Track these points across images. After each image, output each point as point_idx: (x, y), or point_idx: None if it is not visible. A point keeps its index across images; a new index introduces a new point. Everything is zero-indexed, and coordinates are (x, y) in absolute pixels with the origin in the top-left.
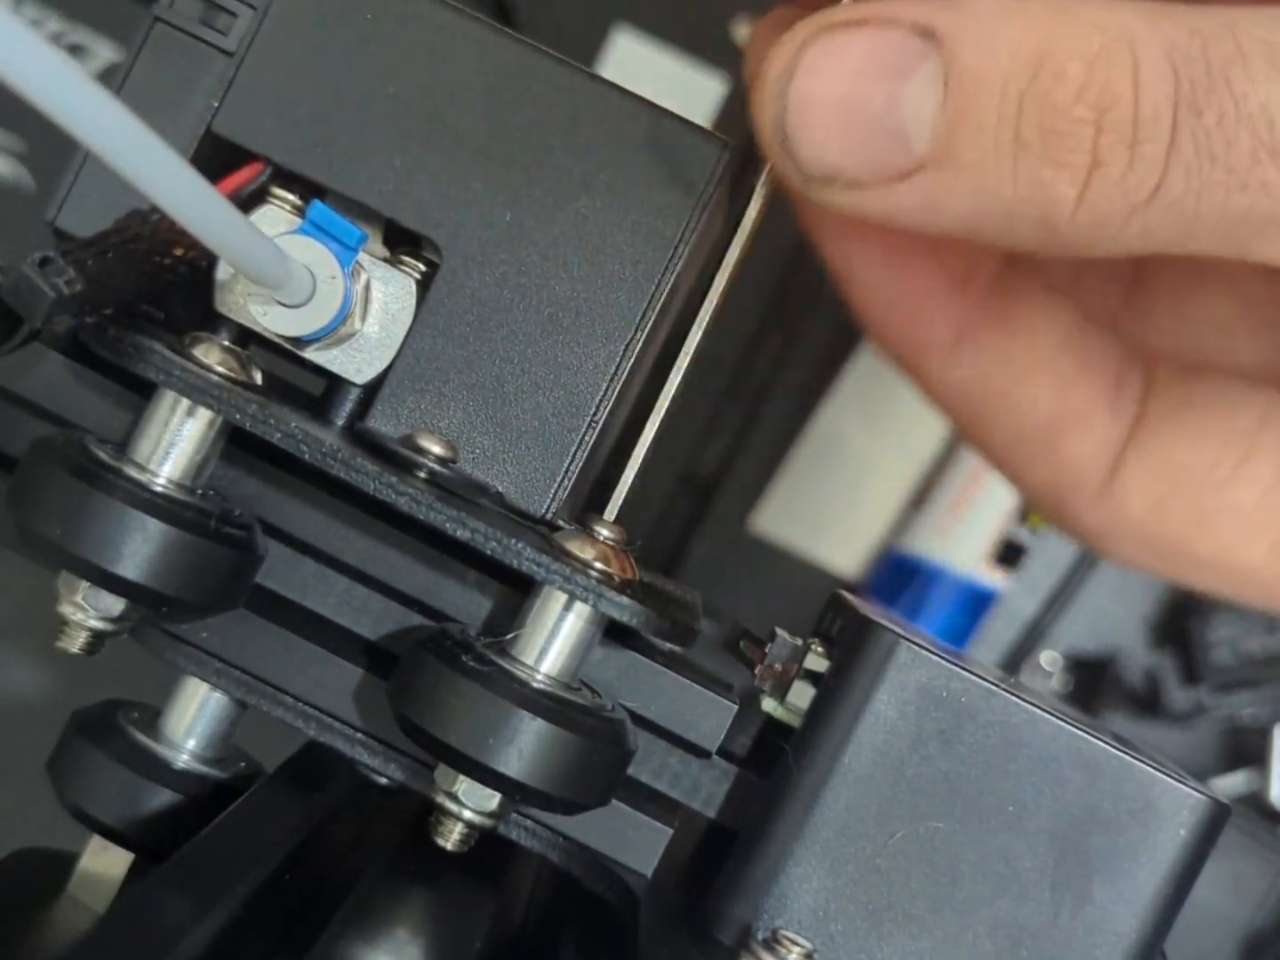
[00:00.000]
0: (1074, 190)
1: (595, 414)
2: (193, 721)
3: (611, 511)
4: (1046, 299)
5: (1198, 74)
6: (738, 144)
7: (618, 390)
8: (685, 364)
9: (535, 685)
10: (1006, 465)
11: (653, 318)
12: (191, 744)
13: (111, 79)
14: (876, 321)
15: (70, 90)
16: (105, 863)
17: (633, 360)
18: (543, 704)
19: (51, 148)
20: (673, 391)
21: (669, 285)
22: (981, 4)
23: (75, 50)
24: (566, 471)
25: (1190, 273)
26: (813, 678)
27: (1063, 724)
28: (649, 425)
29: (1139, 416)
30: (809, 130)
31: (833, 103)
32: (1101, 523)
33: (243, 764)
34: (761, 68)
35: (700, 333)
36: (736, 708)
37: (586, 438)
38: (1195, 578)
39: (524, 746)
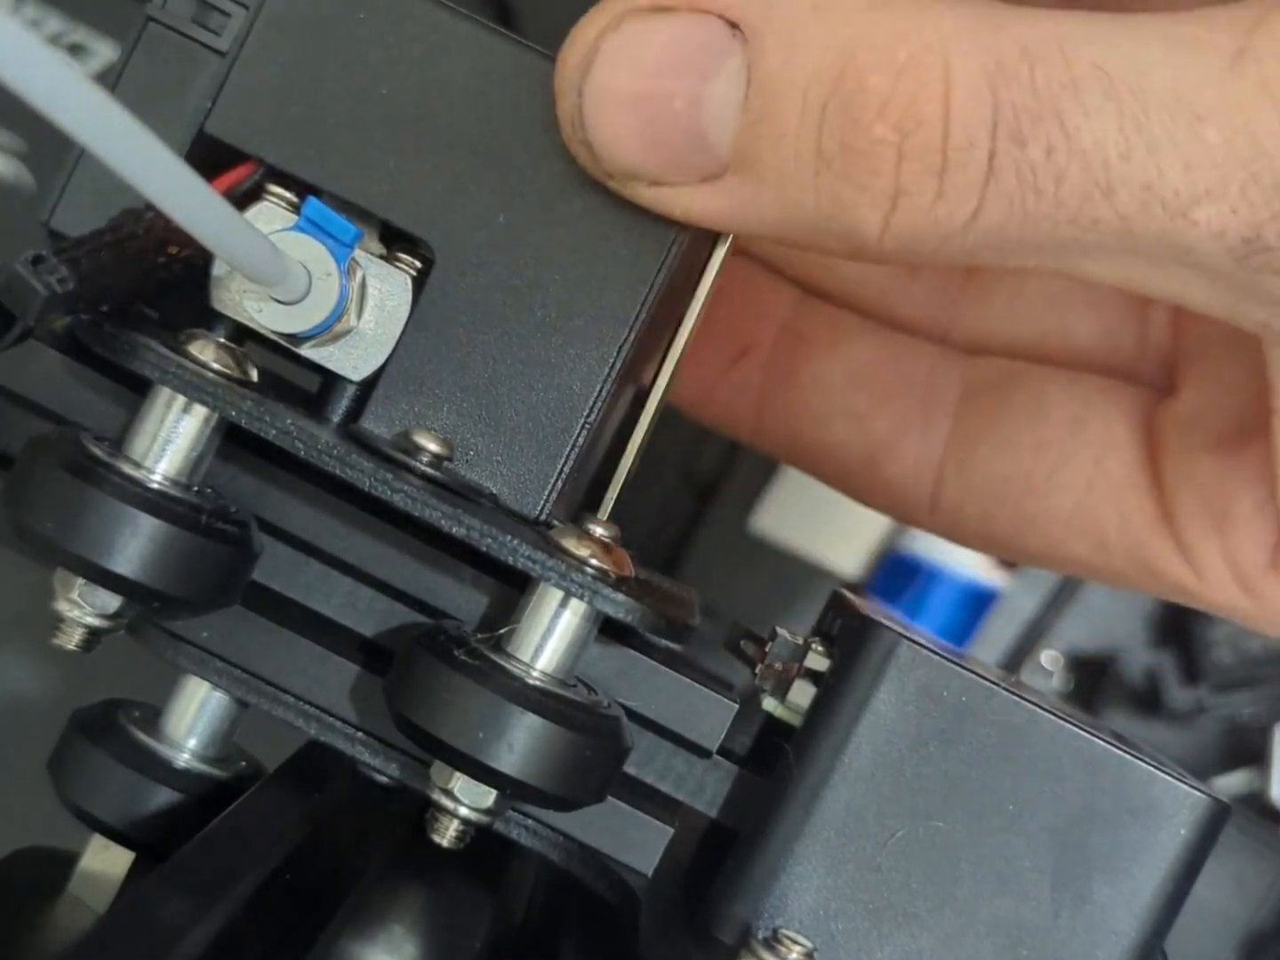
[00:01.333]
0: (878, 214)
1: (589, 415)
2: (193, 721)
3: (605, 511)
4: (830, 339)
5: (1023, 100)
6: None
7: (611, 391)
8: (674, 364)
9: (529, 681)
10: (850, 495)
11: (647, 318)
12: (192, 743)
13: (109, 79)
14: (689, 407)
15: (65, 88)
16: (105, 862)
17: (626, 361)
18: (536, 699)
19: (51, 148)
20: (662, 391)
21: (663, 286)
22: None
23: (75, 50)
24: (560, 473)
25: None
26: (813, 677)
27: (1063, 723)
28: (640, 425)
29: (954, 429)
30: (607, 128)
31: (632, 100)
32: (942, 530)
33: (243, 764)
34: (560, 53)
35: (690, 332)
36: (737, 707)
37: (580, 439)
38: (1036, 566)
39: (518, 742)
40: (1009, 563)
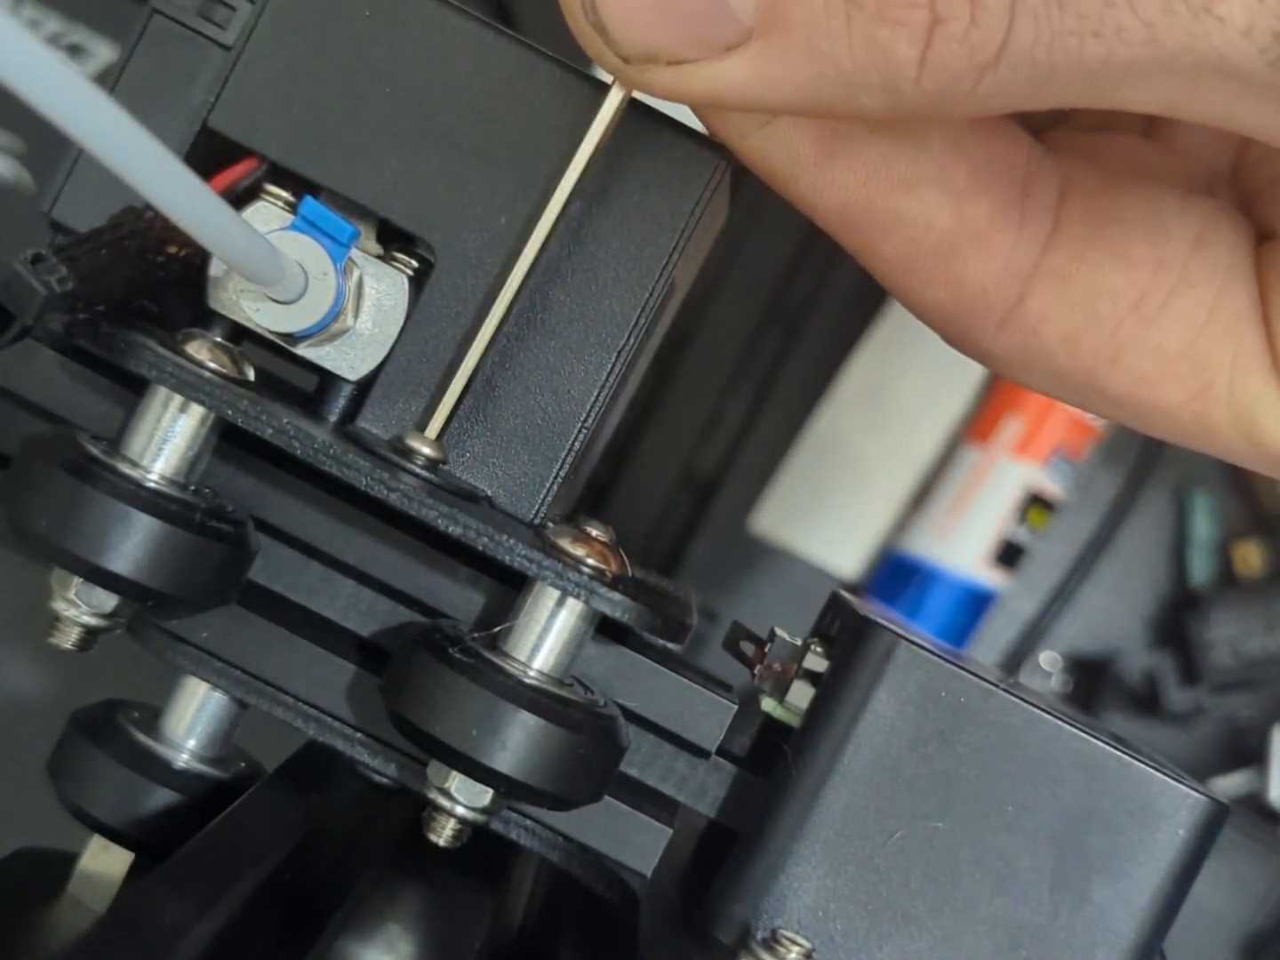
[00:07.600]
0: (915, 51)
1: (586, 420)
2: (193, 721)
3: (432, 430)
4: None
5: None
6: None
7: (609, 397)
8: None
9: (525, 680)
10: (900, 288)
11: (646, 324)
12: (191, 744)
13: (110, 78)
14: (732, 139)
15: (61, 86)
16: (105, 863)
17: (625, 367)
18: (531, 698)
19: (51, 148)
20: (509, 299)
21: (663, 293)
22: None
23: (74, 50)
24: (556, 477)
25: None
26: (812, 678)
27: (1062, 724)
28: (478, 340)
29: (1058, 230)
30: (621, 6)
31: None
32: (1007, 351)
33: (243, 764)
34: None
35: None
36: (736, 707)
37: (576, 444)
38: (1105, 414)
39: (512, 740)
40: (1008, 563)
